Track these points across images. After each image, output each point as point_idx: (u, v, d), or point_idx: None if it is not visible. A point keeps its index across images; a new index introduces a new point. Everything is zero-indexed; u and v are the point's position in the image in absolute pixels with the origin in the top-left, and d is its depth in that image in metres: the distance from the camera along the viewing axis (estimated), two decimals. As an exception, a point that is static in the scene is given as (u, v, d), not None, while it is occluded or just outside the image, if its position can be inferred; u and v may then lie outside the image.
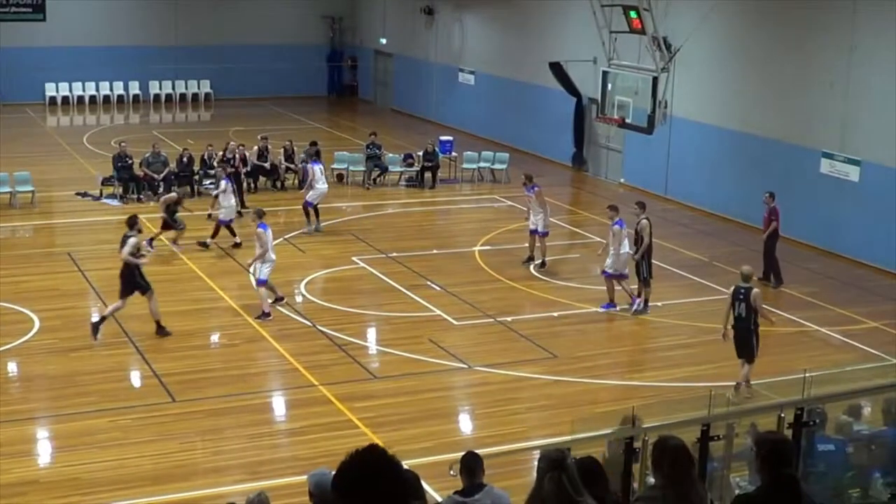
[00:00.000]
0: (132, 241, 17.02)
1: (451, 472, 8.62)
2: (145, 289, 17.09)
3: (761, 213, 24.77)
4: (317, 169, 23.91)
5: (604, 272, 18.97)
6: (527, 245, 21.57)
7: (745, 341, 15.23)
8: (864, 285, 20.89)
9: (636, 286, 18.89)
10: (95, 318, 17.26)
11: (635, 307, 18.71)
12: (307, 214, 23.53)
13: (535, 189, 21.18)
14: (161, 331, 17.08)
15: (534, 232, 21.18)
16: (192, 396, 14.99)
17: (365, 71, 43.56)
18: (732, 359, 16.75)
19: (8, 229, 23.57)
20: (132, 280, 16.99)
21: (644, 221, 18.81)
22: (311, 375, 15.81)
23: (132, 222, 17.37)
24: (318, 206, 23.54)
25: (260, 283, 18.21)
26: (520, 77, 33.25)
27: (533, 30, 32.52)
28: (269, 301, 18.20)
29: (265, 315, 17.87)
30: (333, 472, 3.52)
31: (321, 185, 23.58)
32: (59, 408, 14.64)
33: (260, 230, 18.05)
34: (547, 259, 21.22)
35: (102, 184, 26.27)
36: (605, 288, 19.00)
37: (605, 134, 28.99)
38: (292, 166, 27.38)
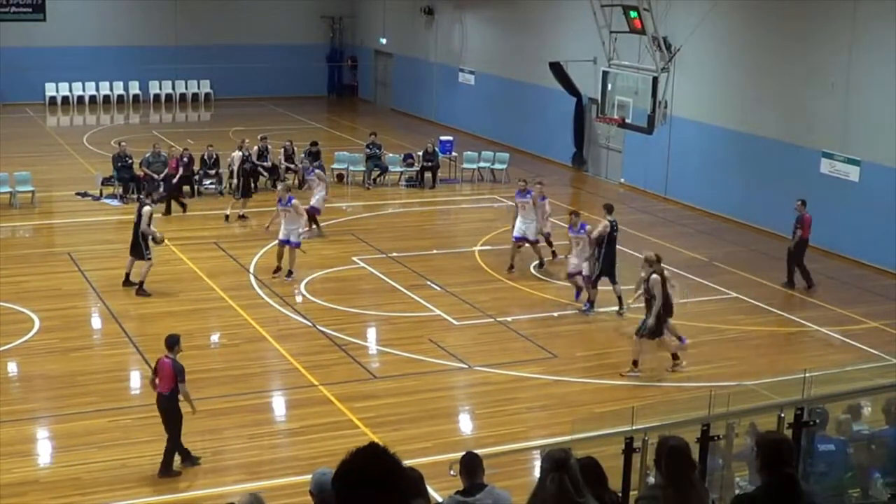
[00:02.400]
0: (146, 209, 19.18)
1: (451, 472, 8.63)
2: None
3: (761, 213, 24.87)
4: (320, 172, 24.03)
5: (581, 275, 18.83)
6: (525, 249, 21.38)
7: None
8: (864, 285, 20.88)
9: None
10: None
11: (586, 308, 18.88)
12: (316, 221, 23.26)
13: (531, 195, 20.89)
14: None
15: (520, 238, 20.76)
16: (192, 396, 14.95)
17: (365, 71, 43.57)
18: (732, 359, 16.82)
19: (8, 229, 23.57)
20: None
21: (605, 223, 18.88)
22: (311, 375, 15.81)
23: None
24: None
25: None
26: (520, 77, 33.25)
27: (533, 30, 32.52)
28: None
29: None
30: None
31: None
32: (59, 408, 14.64)
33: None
34: (546, 259, 21.20)
35: (102, 184, 26.26)
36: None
37: (605, 134, 28.99)
38: (292, 166, 27.37)
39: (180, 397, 12.79)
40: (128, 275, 19.36)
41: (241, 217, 24.32)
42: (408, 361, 16.52)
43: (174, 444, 12.77)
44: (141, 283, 19.06)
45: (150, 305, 18.61)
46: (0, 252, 21.43)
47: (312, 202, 22.98)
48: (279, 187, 21.33)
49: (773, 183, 24.52)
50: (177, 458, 12.86)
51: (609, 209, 19.18)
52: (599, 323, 18.62)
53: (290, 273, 20.04)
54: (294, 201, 20.30)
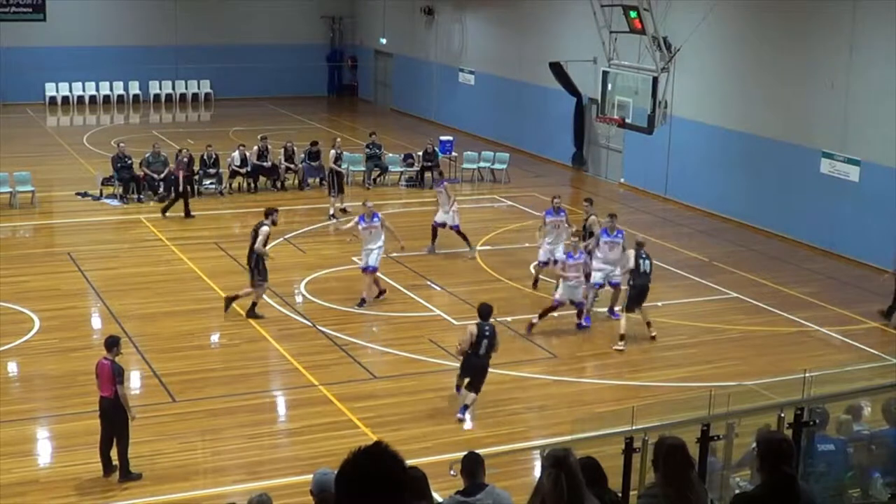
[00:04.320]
0: (264, 229, 17.86)
1: (452, 472, 8.63)
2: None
3: (761, 213, 24.86)
4: (449, 185, 22.93)
5: (557, 301, 17.80)
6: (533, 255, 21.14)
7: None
8: (864, 285, 20.86)
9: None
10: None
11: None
12: (464, 235, 21.96)
13: (564, 214, 19.63)
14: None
15: (546, 263, 19.48)
16: (192, 396, 14.99)
17: (365, 71, 43.57)
18: (732, 359, 16.82)
19: (8, 229, 23.57)
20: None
21: (592, 217, 19.09)
22: (311, 375, 15.81)
23: (268, 212, 18.31)
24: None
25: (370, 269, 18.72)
26: (520, 77, 33.25)
27: (533, 30, 32.53)
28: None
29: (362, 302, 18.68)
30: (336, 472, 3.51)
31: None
32: (59, 408, 14.63)
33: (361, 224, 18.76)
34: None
35: (102, 184, 26.26)
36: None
37: (605, 134, 28.98)
38: (292, 166, 27.38)
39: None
40: (235, 297, 18.18)
41: (343, 211, 24.81)
42: (408, 361, 16.52)
43: (124, 446, 12.49)
44: (253, 305, 18.04)
45: (150, 305, 18.61)
46: (0, 252, 21.43)
47: (450, 220, 21.80)
48: (366, 204, 19.35)
49: (773, 183, 24.53)
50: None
51: (590, 202, 19.58)
52: (599, 323, 18.59)
53: (362, 301, 18.62)
54: (380, 216, 18.98)
